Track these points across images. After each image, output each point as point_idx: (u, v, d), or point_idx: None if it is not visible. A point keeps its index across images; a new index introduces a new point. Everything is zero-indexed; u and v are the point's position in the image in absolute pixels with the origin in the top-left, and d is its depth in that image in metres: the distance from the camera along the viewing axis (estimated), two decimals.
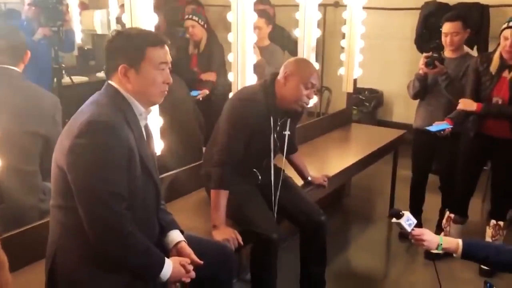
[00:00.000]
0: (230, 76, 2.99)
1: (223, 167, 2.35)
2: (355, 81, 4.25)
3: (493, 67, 2.98)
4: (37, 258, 1.94)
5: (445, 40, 3.25)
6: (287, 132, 2.55)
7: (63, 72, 3.80)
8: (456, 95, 3.15)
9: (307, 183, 2.88)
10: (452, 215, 3.37)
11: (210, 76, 3.95)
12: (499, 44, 2.97)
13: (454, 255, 1.97)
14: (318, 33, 3.63)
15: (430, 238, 2.00)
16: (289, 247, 3.00)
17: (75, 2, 4.94)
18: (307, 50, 3.56)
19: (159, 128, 2.50)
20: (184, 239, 1.92)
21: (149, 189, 1.80)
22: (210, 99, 3.88)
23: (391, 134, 4.02)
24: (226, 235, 2.23)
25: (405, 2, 5.51)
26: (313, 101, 3.76)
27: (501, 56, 2.95)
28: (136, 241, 1.67)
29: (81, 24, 5.04)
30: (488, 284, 2.00)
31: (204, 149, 2.88)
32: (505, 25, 2.90)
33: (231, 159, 2.36)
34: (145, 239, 1.71)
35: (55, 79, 3.71)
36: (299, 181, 2.83)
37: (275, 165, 2.58)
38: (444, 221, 3.43)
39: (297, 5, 3.50)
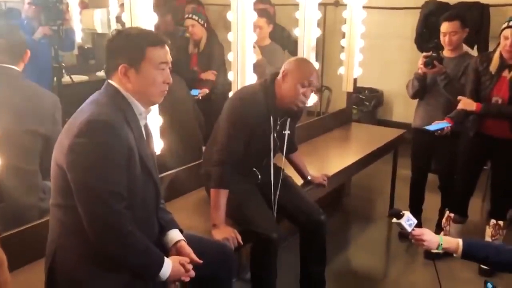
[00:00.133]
0: (230, 76, 2.99)
1: (223, 166, 2.35)
2: (355, 80, 4.25)
3: (493, 67, 2.98)
4: (37, 257, 1.95)
5: (444, 39, 3.25)
6: (286, 132, 2.55)
7: (63, 71, 3.80)
8: (455, 94, 3.15)
9: (307, 182, 2.88)
10: (452, 215, 3.37)
11: (210, 75, 3.95)
12: (499, 44, 2.97)
13: (454, 255, 1.97)
14: (318, 32, 3.62)
15: (430, 238, 2.00)
16: (289, 246, 3.00)
17: (75, 1, 4.95)
18: (307, 49, 3.56)
19: (159, 128, 2.50)
20: (183, 238, 1.92)
21: (148, 189, 1.81)
22: (210, 98, 3.88)
23: (391, 134, 4.03)
24: (226, 234, 2.23)
25: (405, 2, 5.51)
26: (313, 100, 3.79)
27: (501, 56, 2.95)
28: (135, 240, 1.67)
29: (81, 23, 5.04)
30: (488, 284, 2.00)
31: (204, 148, 2.88)
32: (505, 25, 2.90)
33: (231, 158, 2.36)
34: (144, 238, 1.71)
35: (55, 78, 3.71)
36: (298, 181, 2.83)
37: (274, 165, 2.58)
38: (444, 220, 3.43)
39: (297, 4, 3.50)
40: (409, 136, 3.71)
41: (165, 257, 1.75)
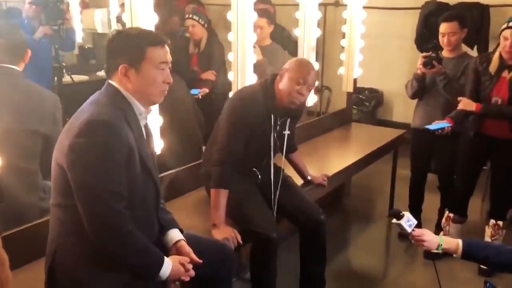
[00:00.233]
0: (230, 76, 2.99)
1: (223, 166, 2.35)
2: (355, 80, 4.25)
3: (493, 67, 2.98)
4: (37, 256, 1.95)
5: (442, 40, 3.26)
6: (286, 132, 2.55)
7: (64, 70, 3.81)
8: (454, 94, 3.16)
9: (307, 182, 2.88)
10: (452, 215, 3.38)
11: (210, 76, 3.95)
12: (498, 44, 2.98)
13: (454, 255, 1.97)
14: (318, 32, 3.63)
15: (430, 238, 2.00)
16: (289, 246, 3.00)
17: (75, 1, 4.95)
18: (307, 49, 3.56)
19: (159, 127, 2.50)
20: (183, 238, 1.93)
21: (148, 188, 1.81)
22: (210, 98, 3.88)
23: (391, 134, 4.03)
24: (226, 234, 2.23)
25: (406, 2, 5.51)
26: (313, 100, 3.80)
27: (500, 56, 2.96)
28: (135, 240, 1.67)
29: (82, 23, 5.04)
30: (488, 284, 2.01)
31: (204, 148, 2.89)
32: (504, 25, 2.90)
33: (231, 158, 2.37)
34: (144, 238, 1.71)
35: (55, 78, 3.72)
36: (298, 181, 2.84)
37: (274, 164, 2.58)
38: (443, 220, 3.43)
39: (297, 5, 3.50)
40: (409, 136, 3.71)
41: (165, 257, 1.75)
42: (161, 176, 2.22)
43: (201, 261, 1.87)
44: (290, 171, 2.79)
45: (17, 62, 2.27)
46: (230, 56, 2.94)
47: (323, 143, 3.82)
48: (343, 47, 4.18)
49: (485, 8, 4.94)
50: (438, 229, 3.49)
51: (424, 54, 3.25)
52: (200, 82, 3.95)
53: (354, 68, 4.17)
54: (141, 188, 1.75)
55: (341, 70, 4.21)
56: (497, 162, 3.19)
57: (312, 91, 3.66)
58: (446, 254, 2.04)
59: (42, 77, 3.23)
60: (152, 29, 2.21)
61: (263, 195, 2.53)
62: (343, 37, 4.17)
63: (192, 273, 1.82)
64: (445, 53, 3.31)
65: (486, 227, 3.26)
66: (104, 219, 1.62)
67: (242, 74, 2.92)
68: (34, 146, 2.26)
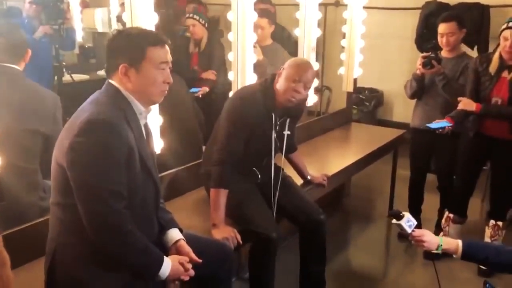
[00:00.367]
0: (230, 75, 2.99)
1: (223, 166, 2.35)
2: (355, 80, 4.25)
3: (493, 68, 2.98)
4: (37, 255, 1.95)
5: (441, 40, 3.26)
6: (286, 132, 2.55)
7: (64, 70, 3.81)
8: (453, 94, 3.16)
9: (307, 182, 2.88)
10: (451, 215, 3.38)
11: (210, 75, 3.95)
12: (498, 45, 2.98)
13: (454, 256, 1.97)
14: (318, 32, 3.63)
15: (430, 239, 2.00)
16: (289, 246, 3.00)
17: (76, 0, 4.95)
18: (307, 49, 3.56)
19: (159, 127, 2.50)
20: (183, 237, 1.93)
21: (148, 188, 1.81)
22: (210, 98, 3.89)
23: (391, 134, 4.03)
24: (226, 234, 2.23)
25: (406, 2, 5.52)
26: (313, 100, 3.80)
27: (500, 57, 2.96)
28: (135, 239, 1.67)
29: (82, 22, 5.04)
30: (487, 285, 2.01)
31: (204, 148, 2.89)
32: (504, 26, 2.90)
33: (231, 158, 2.37)
34: (144, 238, 1.71)
35: (55, 77, 3.72)
36: (298, 180, 2.84)
37: (274, 164, 2.58)
38: (443, 221, 3.43)
39: (297, 5, 3.50)
40: (409, 136, 3.71)
41: (164, 257, 1.76)
42: (161, 176, 2.22)
43: (200, 260, 1.87)
44: (290, 171, 2.79)
45: (17, 62, 2.27)
46: (230, 56, 2.94)
47: (323, 143, 3.82)
48: (343, 47, 4.17)
49: (485, 9, 4.94)
50: (437, 229, 3.49)
51: (424, 54, 3.25)
52: (201, 82, 3.95)
53: (354, 68, 4.17)
54: (141, 188, 1.75)
55: (341, 70, 4.21)
56: (497, 163, 3.19)
57: (312, 92, 3.69)
58: (446, 255, 2.04)
59: (42, 76, 3.24)
60: (153, 29, 2.22)
61: (263, 195, 2.53)
62: (343, 37, 4.17)
63: (192, 272, 1.82)
64: (444, 53, 3.31)
65: (486, 227, 3.26)
66: (104, 218, 1.63)
67: (242, 74, 2.92)
68: (34, 146, 2.26)
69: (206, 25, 3.96)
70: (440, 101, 3.30)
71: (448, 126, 3.10)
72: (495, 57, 2.98)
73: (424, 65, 3.20)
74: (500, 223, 3.19)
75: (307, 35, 3.53)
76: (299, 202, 2.61)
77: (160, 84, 1.76)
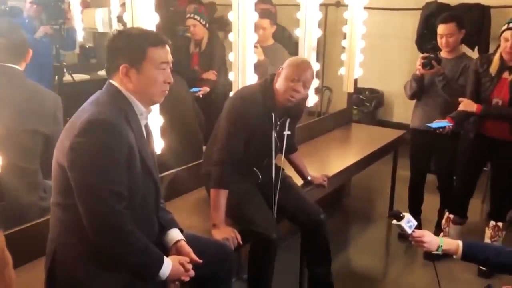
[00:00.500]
0: (231, 76, 2.99)
1: (223, 166, 2.35)
2: (355, 81, 4.25)
3: (493, 69, 2.98)
4: (37, 255, 1.95)
5: (441, 41, 3.27)
6: (286, 132, 2.55)
7: (64, 70, 3.81)
8: (453, 95, 3.17)
9: (307, 183, 2.88)
10: (452, 216, 3.38)
11: (211, 75, 3.95)
12: (499, 46, 2.98)
13: (454, 256, 1.97)
14: (319, 33, 3.63)
15: (430, 239, 2.01)
16: (289, 246, 3.01)
17: (76, 0, 4.95)
18: (308, 50, 3.56)
19: (160, 127, 2.50)
20: (183, 238, 1.93)
21: (149, 188, 1.81)
22: (210, 98, 3.89)
23: (391, 134, 4.03)
24: (226, 234, 2.23)
25: (406, 3, 5.52)
26: (314, 100, 3.80)
27: (501, 58, 2.96)
28: (135, 240, 1.67)
29: (83, 22, 5.04)
30: None
31: (204, 148, 2.89)
32: (505, 27, 2.90)
33: (231, 158, 2.37)
34: (144, 238, 1.71)
35: (56, 77, 3.71)
36: (298, 181, 2.84)
37: (275, 165, 2.58)
38: (443, 221, 3.44)
39: (298, 5, 3.51)
40: (409, 136, 3.71)
41: (164, 257, 1.76)
42: (161, 176, 2.22)
43: (201, 261, 1.87)
44: (290, 172, 2.79)
45: (18, 62, 2.27)
46: (231, 56, 2.95)
47: (324, 144, 3.82)
48: (344, 48, 4.18)
49: (486, 9, 4.94)
50: (437, 230, 3.50)
51: (423, 55, 3.26)
52: (201, 82, 3.95)
53: (354, 68, 4.17)
54: (141, 188, 1.76)
55: (342, 71, 4.22)
56: (497, 164, 3.19)
57: (313, 92, 3.70)
58: (446, 255, 2.04)
59: (42, 76, 3.23)
60: (153, 29, 2.22)
61: (264, 195, 2.53)
62: (344, 37, 4.17)
63: (192, 273, 1.82)
64: (443, 54, 3.32)
65: (486, 228, 3.26)
66: (104, 219, 1.63)
67: (243, 74, 2.92)
68: (35, 146, 2.26)
69: (207, 25, 3.96)
70: (440, 102, 3.30)
71: (449, 126, 3.10)
72: (496, 58, 2.98)
73: (424, 65, 3.20)
74: (500, 224, 3.19)
75: (308, 35, 3.54)
76: (299, 202, 2.61)
77: (161, 84, 1.76)
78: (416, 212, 3.56)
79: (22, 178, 2.21)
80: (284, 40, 4.20)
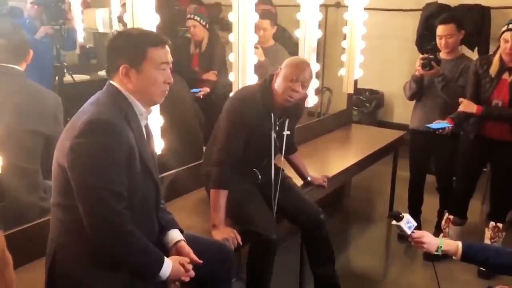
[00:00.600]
0: (231, 76, 2.99)
1: (222, 166, 2.36)
2: (355, 81, 4.26)
3: (493, 70, 2.99)
4: (37, 256, 1.95)
5: (440, 42, 3.27)
6: (285, 132, 2.55)
7: (65, 70, 3.81)
8: (452, 96, 3.17)
9: (307, 183, 2.88)
10: (452, 217, 3.38)
11: (211, 76, 3.96)
12: (499, 47, 2.98)
13: (454, 257, 1.97)
14: (319, 33, 3.63)
15: (430, 240, 2.01)
16: (289, 247, 3.01)
17: (77, 1, 4.95)
18: (308, 50, 3.56)
19: (160, 128, 2.51)
20: (183, 238, 1.93)
21: (149, 188, 1.81)
22: (210, 99, 3.89)
23: (392, 135, 4.04)
24: (226, 234, 2.23)
25: (406, 3, 5.52)
26: (314, 101, 3.80)
27: (501, 59, 2.96)
28: (135, 240, 1.67)
29: (83, 23, 5.04)
30: None
31: (204, 148, 2.89)
32: (504, 28, 2.90)
33: (230, 158, 2.37)
34: (144, 238, 1.71)
35: (56, 78, 3.72)
36: (298, 181, 2.84)
37: (274, 165, 2.58)
38: (443, 222, 3.44)
39: (298, 6, 3.51)
40: (409, 137, 3.72)
41: (165, 257, 1.76)
42: (161, 176, 2.23)
43: (201, 261, 1.87)
44: (290, 172, 2.80)
45: (19, 62, 2.27)
46: (231, 57, 2.95)
47: (324, 144, 3.82)
48: (344, 48, 4.18)
49: (486, 10, 4.94)
50: (437, 231, 3.50)
51: (423, 55, 3.26)
52: (201, 82, 3.95)
53: (354, 69, 4.18)
54: (141, 188, 1.76)
55: (342, 71, 4.22)
56: (497, 164, 3.19)
57: (313, 93, 3.70)
58: (446, 256, 2.04)
59: (43, 76, 3.24)
60: (153, 29, 2.22)
61: (263, 196, 2.53)
62: (344, 38, 4.17)
63: (192, 273, 1.82)
64: (443, 55, 3.32)
65: (486, 229, 3.26)
66: (105, 218, 1.63)
67: (243, 75, 2.93)
68: (35, 146, 2.26)
69: (207, 26, 3.97)
70: (439, 103, 3.30)
71: (449, 127, 3.10)
72: (496, 59, 2.98)
73: (423, 66, 3.20)
74: (500, 224, 3.19)
75: (308, 36, 3.54)
76: (299, 203, 2.61)
77: (161, 85, 1.76)
78: (416, 213, 3.56)
79: (23, 178, 2.21)
80: (285, 41, 4.20)
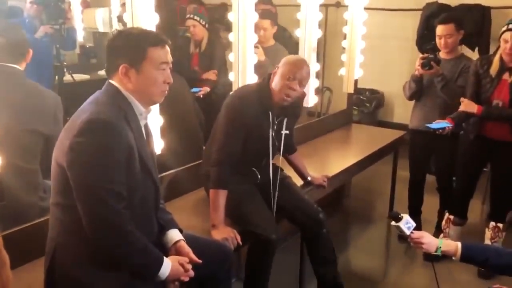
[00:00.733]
0: (231, 76, 2.99)
1: (221, 166, 2.35)
2: (356, 81, 4.25)
3: (493, 70, 2.98)
4: (37, 255, 1.95)
5: (439, 42, 3.27)
6: (284, 131, 2.54)
7: (65, 70, 3.81)
8: (451, 96, 3.17)
9: (307, 183, 2.88)
10: (452, 217, 3.38)
11: (211, 75, 3.96)
12: (499, 47, 2.98)
13: (453, 258, 1.97)
14: (319, 33, 3.63)
15: (429, 241, 2.00)
16: (289, 247, 3.01)
17: (77, 0, 4.95)
18: (308, 50, 3.56)
19: (160, 127, 2.50)
20: (183, 238, 1.93)
21: (148, 188, 1.81)
22: (210, 98, 3.89)
23: (392, 135, 4.03)
24: (225, 234, 2.23)
25: (407, 3, 5.52)
26: (314, 101, 3.80)
27: (501, 59, 2.96)
28: (135, 240, 1.67)
29: (83, 22, 5.04)
30: None
31: (204, 148, 2.89)
32: (504, 28, 2.90)
33: (229, 158, 2.37)
34: (143, 238, 1.71)
35: (56, 77, 3.72)
36: (297, 181, 2.84)
37: (273, 165, 2.58)
38: (443, 222, 3.43)
39: (298, 5, 3.51)
40: (408, 137, 3.71)
41: (164, 257, 1.76)
42: (161, 176, 2.23)
43: (200, 261, 1.87)
44: (290, 172, 2.79)
45: (18, 62, 2.27)
46: (231, 57, 2.94)
47: (324, 144, 3.82)
48: (344, 48, 4.18)
49: (486, 10, 4.94)
50: (437, 231, 3.50)
51: (422, 55, 3.26)
52: (201, 82, 3.95)
53: (355, 69, 4.17)
54: (141, 188, 1.75)
55: (342, 71, 4.21)
56: (498, 164, 3.19)
57: (313, 92, 3.69)
58: (446, 257, 2.04)
59: (43, 76, 3.23)
60: (153, 29, 2.22)
61: (263, 195, 2.53)
62: (344, 38, 4.17)
63: (192, 273, 1.82)
64: (442, 55, 3.32)
65: (486, 229, 3.26)
66: (104, 218, 1.63)
67: (243, 75, 2.92)
68: (35, 146, 2.26)
69: (207, 25, 3.96)
70: (439, 102, 3.30)
71: (449, 127, 3.10)
72: (496, 59, 2.98)
73: (423, 66, 3.20)
74: (500, 225, 3.19)
75: (308, 36, 3.54)
76: (298, 202, 2.60)
77: (161, 84, 1.76)
78: (416, 213, 3.56)
79: (22, 178, 2.21)
80: (285, 41, 4.20)
